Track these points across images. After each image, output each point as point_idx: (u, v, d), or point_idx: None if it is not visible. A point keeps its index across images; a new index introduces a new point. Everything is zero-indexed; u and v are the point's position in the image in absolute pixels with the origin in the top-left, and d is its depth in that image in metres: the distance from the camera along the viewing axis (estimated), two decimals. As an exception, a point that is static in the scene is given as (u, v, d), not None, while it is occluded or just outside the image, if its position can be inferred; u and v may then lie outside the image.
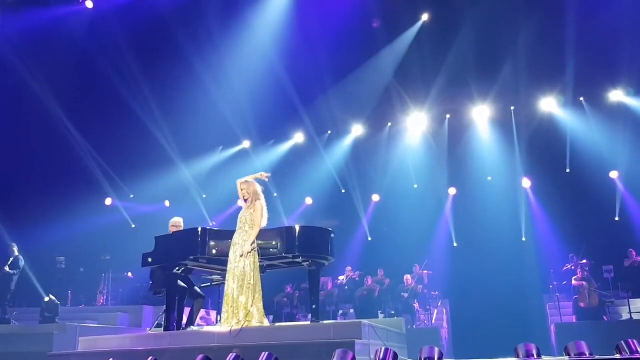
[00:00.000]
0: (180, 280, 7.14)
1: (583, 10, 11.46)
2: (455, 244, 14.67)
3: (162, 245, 6.93)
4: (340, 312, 12.39)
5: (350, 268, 13.53)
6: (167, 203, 15.64)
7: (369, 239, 15.42)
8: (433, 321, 12.07)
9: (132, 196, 15.63)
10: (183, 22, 13.01)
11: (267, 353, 3.68)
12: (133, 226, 15.37)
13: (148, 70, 13.15)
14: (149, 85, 13.14)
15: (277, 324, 8.21)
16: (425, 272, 13.10)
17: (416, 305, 12.16)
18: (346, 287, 13.07)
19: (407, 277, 12.57)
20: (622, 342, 3.32)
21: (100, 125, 13.87)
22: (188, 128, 14.07)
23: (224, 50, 13.28)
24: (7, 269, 10.75)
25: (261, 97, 13.45)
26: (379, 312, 11.78)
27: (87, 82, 13.59)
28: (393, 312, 11.63)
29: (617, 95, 13.37)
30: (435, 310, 12.34)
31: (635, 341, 3.33)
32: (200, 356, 3.84)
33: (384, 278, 12.86)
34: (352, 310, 12.45)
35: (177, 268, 6.81)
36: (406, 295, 12.13)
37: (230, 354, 3.88)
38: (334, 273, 13.33)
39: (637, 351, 3.27)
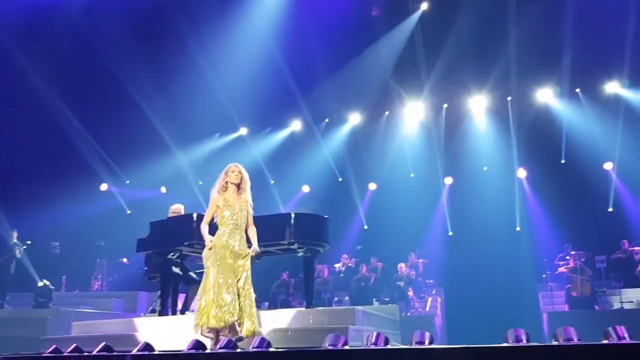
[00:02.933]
0: (175, 266, 7.19)
1: (580, 1, 11.45)
2: (450, 233, 14.73)
3: (156, 231, 6.97)
4: (336, 299, 12.48)
5: (347, 256, 13.62)
6: (163, 189, 15.65)
7: (365, 227, 15.49)
8: (427, 309, 12.17)
9: (128, 182, 15.64)
10: (181, 7, 12.94)
11: (259, 338, 3.71)
12: (128, 212, 15.38)
13: (145, 55, 13.08)
14: (146, 70, 13.07)
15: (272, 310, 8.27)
16: (421, 260, 13.20)
17: (410, 293, 12.26)
18: (342, 275, 13.15)
19: (401, 265, 12.67)
20: (610, 328, 3.36)
21: (97, 111, 13.81)
22: (185, 114, 14.05)
23: (222, 36, 13.22)
24: (17, 253, 10.83)
25: (259, 84, 13.42)
26: (374, 299, 11.87)
27: (83, 67, 13.50)
28: (387, 300, 11.72)
29: (613, 87, 13.38)
30: (430, 298, 12.44)
31: (623, 327, 3.36)
32: (193, 341, 3.86)
33: (377, 263, 12.97)
34: (347, 298, 12.53)
35: (172, 253, 6.85)
36: (402, 283, 12.23)
37: (222, 340, 3.91)
38: (330, 261, 13.41)
39: (624, 337, 3.31)
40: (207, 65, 13.16)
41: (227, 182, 5.40)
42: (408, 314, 11.77)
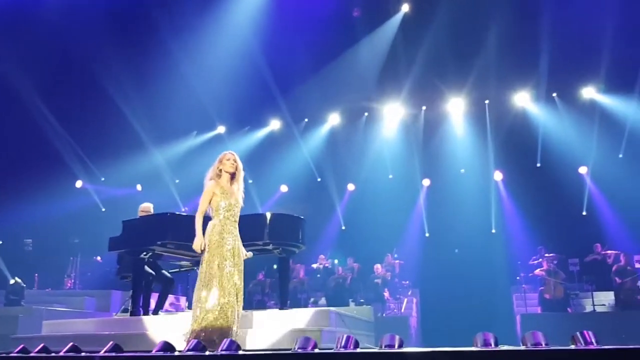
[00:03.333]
0: (148, 266, 7.10)
1: (557, 5, 11.58)
2: (427, 234, 14.82)
3: (129, 230, 6.88)
4: (312, 299, 12.45)
5: (323, 256, 13.61)
6: (138, 187, 15.47)
7: (343, 227, 15.50)
8: (402, 310, 12.22)
9: (103, 179, 15.42)
10: (160, 4, 12.79)
11: (228, 340, 3.67)
12: (103, 209, 15.19)
13: (123, 52, 12.87)
14: (123, 66, 12.87)
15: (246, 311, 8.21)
16: (397, 261, 13.26)
17: (386, 294, 12.29)
18: (318, 275, 13.15)
19: (377, 266, 12.72)
20: (578, 333, 3.39)
21: (73, 107, 13.62)
22: (162, 111, 13.87)
23: (201, 34, 13.10)
24: None
25: (238, 82, 13.31)
26: (350, 300, 11.87)
27: (59, 62, 13.27)
28: (362, 301, 11.74)
29: (589, 92, 13.57)
30: (405, 299, 12.49)
31: (590, 332, 3.39)
32: (161, 342, 3.80)
33: (353, 264, 13.00)
34: (323, 299, 12.52)
35: (145, 253, 6.76)
36: (379, 281, 12.29)
37: (192, 340, 3.86)
38: (307, 261, 13.39)
39: (592, 342, 3.34)
40: (185, 62, 13.04)
41: (221, 170, 5.08)
42: (384, 314, 11.82)
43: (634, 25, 11.57)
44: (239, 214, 5.10)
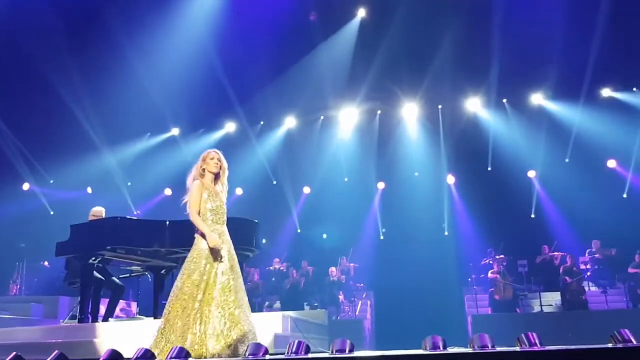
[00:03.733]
0: (97, 271, 6.94)
1: (508, 16, 11.89)
2: (381, 237, 14.98)
3: (77, 234, 6.71)
4: (267, 303, 12.41)
5: (278, 259, 13.58)
6: (89, 190, 15.08)
7: (298, 230, 15.50)
8: (357, 312, 12.30)
9: (51, 181, 14.97)
10: (112, 3, 12.50)
11: (177, 347, 3.62)
12: (52, 213, 14.74)
13: (73, 51, 12.53)
14: (73, 66, 12.52)
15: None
16: (352, 264, 13.34)
17: (341, 297, 12.35)
18: (273, 279, 13.11)
19: (332, 269, 12.76)
20: (523, 334, 3.48)
21: (19, 107, 13.16)
22: (114, 112, 13.53)
23: (155, 34, 12.84)
24: None
25: (193, 84, 13.13)
26: (305, 303, 11.88)
27: (6, 61, 12.81)
28: (317, 304, 11.76)
29: (537, 99, 13.98)
30: (360, 302, 12.58)
31: (534, 334, 3.49)
32: (108, 350, 3.70)
33: (308, 267, 13.02)
34: (278, 302, 12.49)
35: (94, 258, 6.59)
36: (335, 279, 12.37)
37: (138, 350, 3.77)
38: (262, 264, 13.33)
39: (535, 343, 3.44)
40: (139, 63, 12.76)
41: (204, 169, 4.67)
42: (338, 317, 11.86)
43: (579, 36, 12.01)
44: (225, 215, 4.67)
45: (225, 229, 4.61)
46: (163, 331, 4.22)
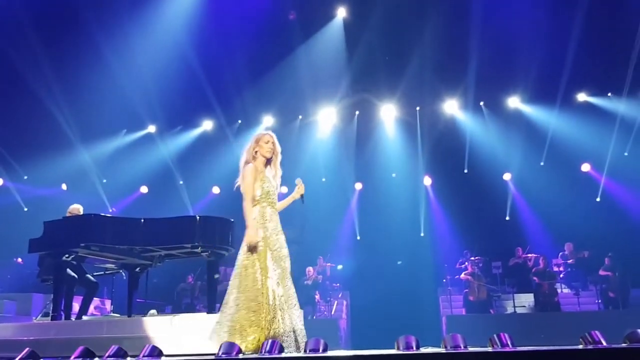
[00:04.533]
0: (71, 268, 6.85)
1: (485, 18, 12.01)
2: (358, 237, 15.02)
3: (50, 231, 6.61)
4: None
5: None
6: (64, 186, 14.85)
7: (276, 229, 15.43)
8: (333, 312, 12.33)
9: (25, 177, 14.70)
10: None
11: (150, 346, 3.59)
12: (25, 209, 14.49)
13: (49, 47, 12.32)
14: (47, 60, 12.32)
15: (174, 315, 8.05)
16: (329, 264, 13.36)
17: (317, 297, 12.37)
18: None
19: (309, 269, 12.78)
20: (495, 335, 3.52)
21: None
22: (90, 109, 13.34)
23: (131, 31, 12.66)
24: None
25: (170, 82, 13.01)
26: (280, 303, 11.84)
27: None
28: (293, 304, 11.74)
29: (514, 102, 14.15)
30: (335, 302, 12.61)
31: (506, 334, 3.53)
32: (80, 348, 3.67)
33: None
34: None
35: (67, 255, 6.50)
36: (309, 282, 12.36)
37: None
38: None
39: (507, 344, 3.48)
40: (115, 60, 12.59)
41: (257, 152, 4.50)
42: (314, 317, 11.88)
43: (556, 41, 12.19)
44: (277, 199, 4.55)
45: (277, 214, 4.54)
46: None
